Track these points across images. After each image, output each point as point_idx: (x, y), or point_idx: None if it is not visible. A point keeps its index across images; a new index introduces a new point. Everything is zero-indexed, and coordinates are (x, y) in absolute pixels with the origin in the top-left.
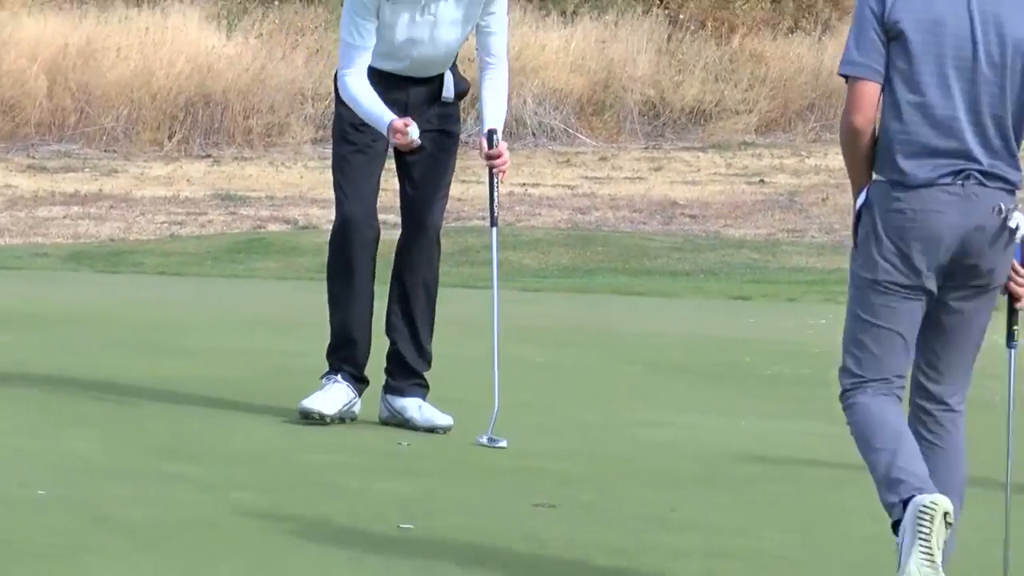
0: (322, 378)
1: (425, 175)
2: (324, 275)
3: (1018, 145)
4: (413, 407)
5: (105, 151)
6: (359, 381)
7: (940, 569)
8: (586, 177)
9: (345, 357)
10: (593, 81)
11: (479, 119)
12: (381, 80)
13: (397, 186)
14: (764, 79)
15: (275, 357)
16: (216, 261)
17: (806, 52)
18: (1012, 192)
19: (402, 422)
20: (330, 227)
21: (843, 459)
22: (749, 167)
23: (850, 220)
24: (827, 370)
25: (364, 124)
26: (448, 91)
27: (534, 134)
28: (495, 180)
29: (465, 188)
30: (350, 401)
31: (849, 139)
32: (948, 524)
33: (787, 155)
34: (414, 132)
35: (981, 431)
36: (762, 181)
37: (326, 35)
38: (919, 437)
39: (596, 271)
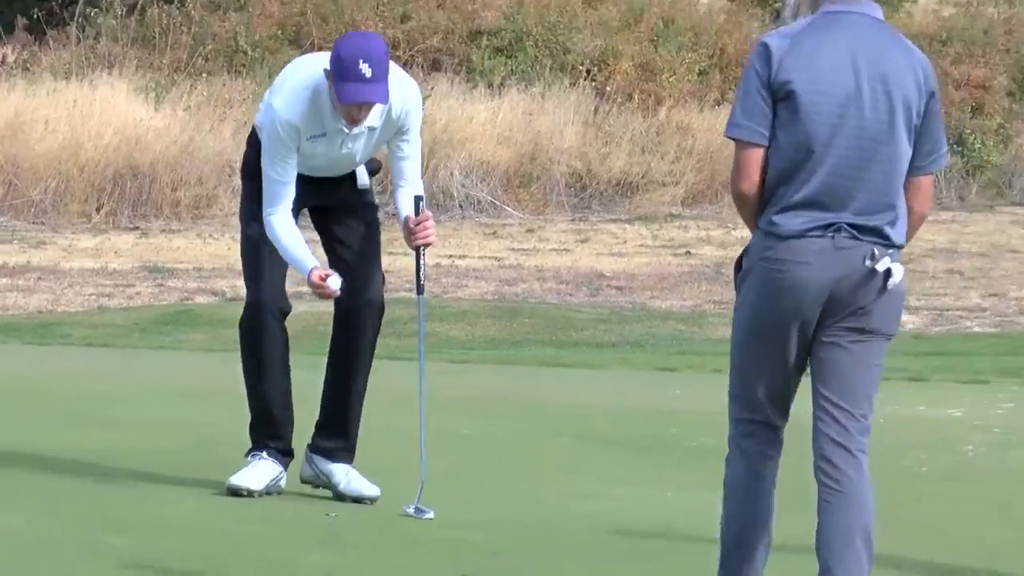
0: (247, 455)
1: (359, 249)
2: None
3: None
4: (340, 473)
5: (33, 223)
6: (285, 455)
7: None
8: (513, 249)
9: (268, 435)
10: (520, 153)
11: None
12: (298, 178)
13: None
14: (691, 151)
15: (202, 429)
16: (144, 333)
17: None
18: (889, 248)
19: (326, 485)
20: None
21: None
22: (675, 239)
23: None
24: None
25: (275, 155)
26: (363, 180)
27: (461, 206)
28: (421, 249)
29: (391, 260)
30: (276, 476)
31: (738, 203)
32: None
33: (713, 227)
34: (334, 283)
35: (905, 500)
36: (688, 253)
37: (254, 107)
38: (822, 485)
39: (523, 343)
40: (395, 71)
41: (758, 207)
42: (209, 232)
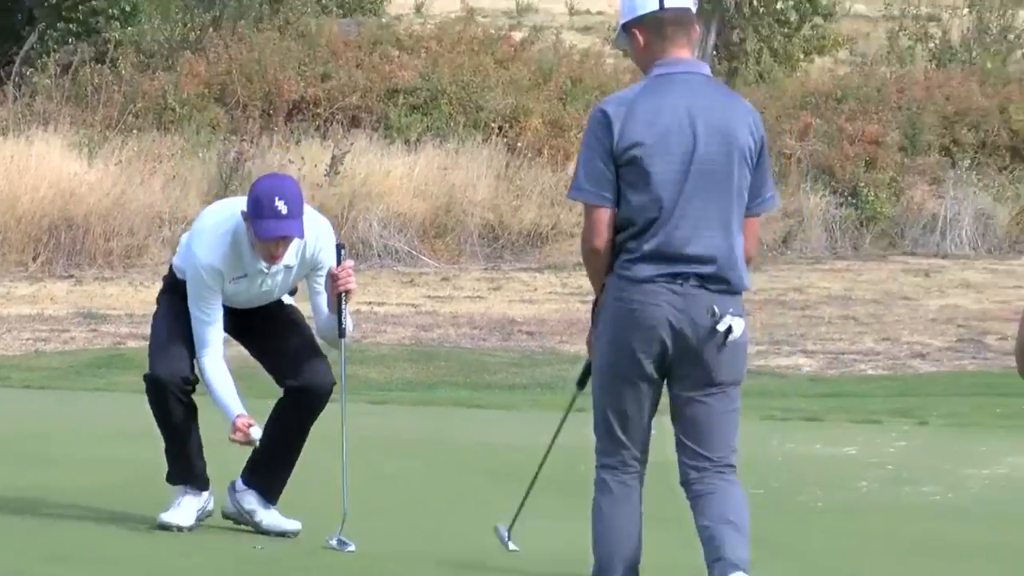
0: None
1: (295, 339)
2: None
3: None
4: (262, 511)
5: None
6: (203, 485)
7: None
8: (429, 296)
9: (187, 478)
10: (435, 205)
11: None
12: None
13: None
14: None
15: (135, 466)
16: (79, 375)
17: None
18: (734, 294)
19: (248, 522)
20: None
21: (681, 560)
22: (583, 286)
23: None
24: (664, 478)
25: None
26: (286, 298)
27: (379, 256)
28: (343, 296)
29: None
30: (202, 505)
31: (590, 259)
32: None
33: None
34: (255, 433)
35: (801, 535)
36: None
37: (182, 162)
38: (694, 496)
39: (438, 385)
40: (308, 211)
41: (608, 261)
42: (140, 280)
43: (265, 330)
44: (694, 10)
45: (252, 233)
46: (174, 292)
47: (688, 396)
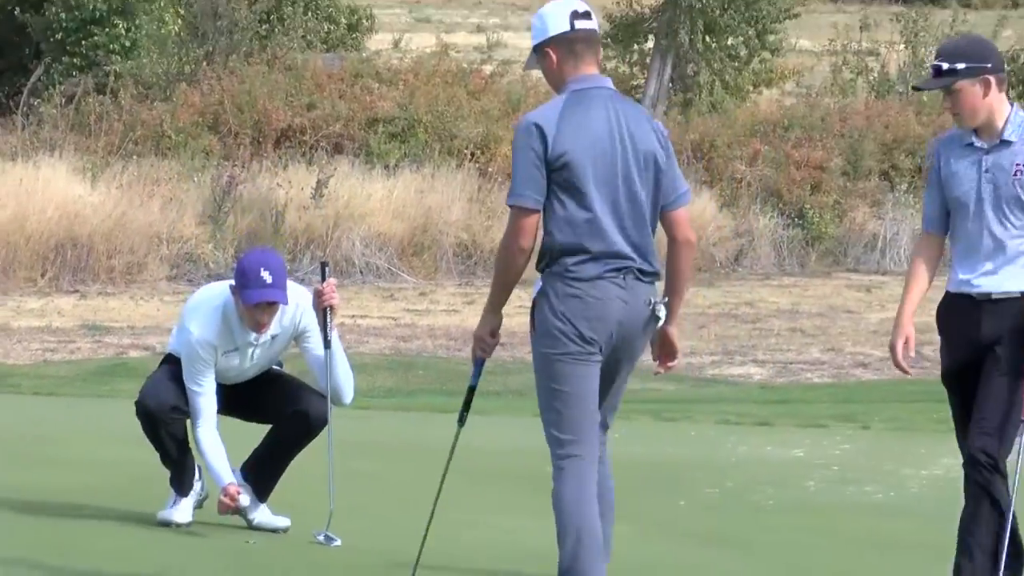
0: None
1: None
2: None
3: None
4: (254, 509)
5: None
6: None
7: None
8: (407, 310)
9: (182, 491)
10: (413, 226)
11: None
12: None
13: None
14: None
15: (137, 467)
16: (84, 383)
17: None
18: (653, 283)
19: (240, 517)
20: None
21: (648, 558)
22: None
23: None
24: (633, 478)
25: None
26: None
27: (361, 272)
28: (328, 310)
29: None
30: (199, 496)
31: (516, 258)
32: None
33: None
34: (243, 500)
35: (754, 531)
36: None
37: (178, 186)
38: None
39: (417, 392)
40: (290, 284)
41: (525, 264)
42: (140, 295)
43: (257, 393)
44: (599, 32)
45: (240, 304)
46: (173, 361)
47: (612, 375)
